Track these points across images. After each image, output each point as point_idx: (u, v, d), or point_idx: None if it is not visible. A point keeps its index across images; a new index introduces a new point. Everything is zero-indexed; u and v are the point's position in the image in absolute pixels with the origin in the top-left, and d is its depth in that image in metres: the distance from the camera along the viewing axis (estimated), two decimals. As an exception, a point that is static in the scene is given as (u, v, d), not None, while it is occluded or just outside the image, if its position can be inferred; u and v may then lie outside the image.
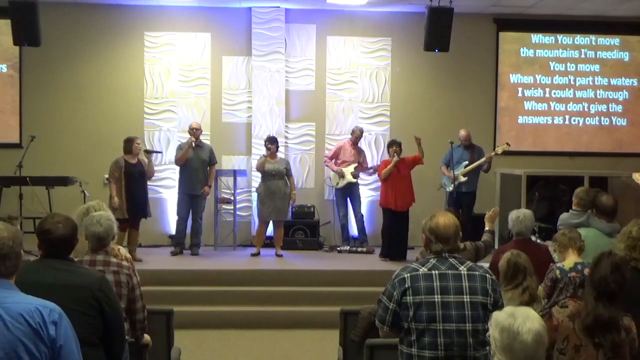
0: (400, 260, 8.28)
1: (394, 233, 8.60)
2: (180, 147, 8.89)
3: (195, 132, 8.77)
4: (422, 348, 3.17)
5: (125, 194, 8.17)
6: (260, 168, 8.76)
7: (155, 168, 9.75)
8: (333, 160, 9.45)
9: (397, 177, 8.58)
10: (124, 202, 8.14)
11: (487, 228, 5.32)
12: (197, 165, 8.76)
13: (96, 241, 3.77)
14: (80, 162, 9.40)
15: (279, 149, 9.63)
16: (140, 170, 8.36)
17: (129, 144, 8.36)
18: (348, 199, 9.41)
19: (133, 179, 8.26)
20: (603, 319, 3.25)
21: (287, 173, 8.80)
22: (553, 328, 3.35)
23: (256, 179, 9.46)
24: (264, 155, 8.76)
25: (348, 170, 9.26)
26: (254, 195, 9.41)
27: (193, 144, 8.72)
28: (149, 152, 8.59)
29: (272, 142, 8.77)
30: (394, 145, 8.68)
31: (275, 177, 8.70)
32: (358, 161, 9.29)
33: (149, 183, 8.63)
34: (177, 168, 8.94)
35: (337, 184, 9.37)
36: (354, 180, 9.22)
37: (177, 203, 8.93)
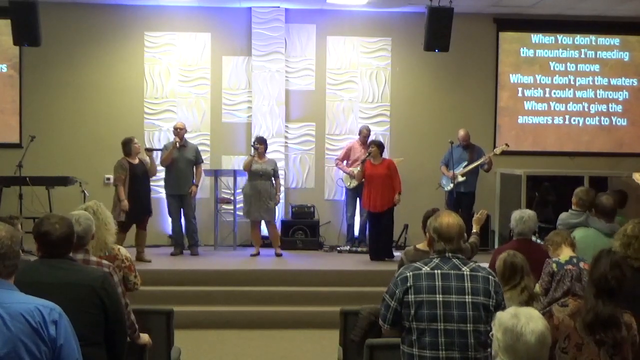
0: (388, 259, 8.35)
1: (375, 233, 8.64)
2: (165, 148, 8.88)
3: (179, 132, 8.77)
4: (423, 348, 3.17)
5: (131, 195, 8.14)
6: (247, 168, 8.75)
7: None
8: (344, 162, 9.46)
9: (373, 178, 8.51)
10: (129, 203, 8.11)
11: (474, 230, 5.33)
12: (183, 165, 8.75)
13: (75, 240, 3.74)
14: (80, 162, 9.40)
15: (279, 149, 9.66)
16: (143, 169, 8.35)
17: (128, 146, 8.31)
18: (358, 199, 9.43)
19: (138, 180, 8.25)
20: (603, 316, 3.25)
21: (274, 174, 8.79)
22: (554, 327, 3.35)
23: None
24: (251, 155, 8.75)
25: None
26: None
27: (177, 144, 8.72)
28: (150, 150, 8.57)
29: (260, 142, 8.76)
30: (371, 145, 8.66)
31: (262, 177, 8.70)
32: None
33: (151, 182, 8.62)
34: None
35: (349, 184, 9.39)
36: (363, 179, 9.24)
37: (167, 204, 8.94)
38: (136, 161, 8.33)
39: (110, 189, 9.09)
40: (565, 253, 4.58)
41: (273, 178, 8.79)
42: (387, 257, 8.55)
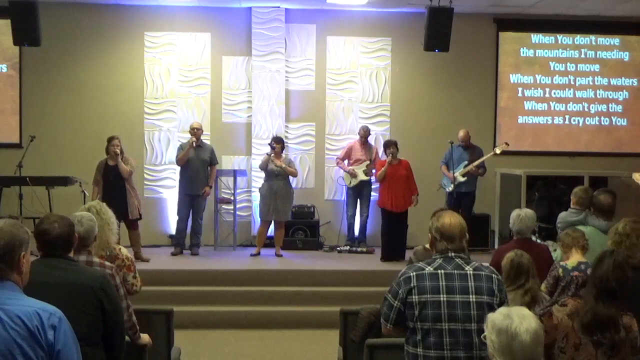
0: (399, 260, 8.32)
1: (391, 233, 8.62)
2: (181, 147, 8.89)
3: (196, 132, 8.76)
4: (428, 348, 3.17)
5: (102, 197, 7.87)
6: (263, 167, 8.76)
7: (155, 168, 9.80)
8: (345, 161, 9.47)
9: (394, 177, 8.56)
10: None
11: None
12: (198, 166, 8.75)
13: (77, 241, 3.74)
14: (80, 162, 9.38)
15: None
16: (117, 172, 8.16)
17: (107, 145, 8.24)
18: (358, 199, 9.42)
19: (108, 182, 8.13)
20: (602, 317, 3.24)
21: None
22: (553, 327, 3.34)
23: (256, 179, 9.46)
24: (268, 154, 8.75)
25: (360, 169, 9.28)
26: (254, 196, 9.41)
27: (194, 144, 8.72)
28: (116, 154, 8.26)
29: (277, 142, 8.76)
30: (390, 146, 8.68)
31: (278, 177, 8.71)
32: (370, 158, 9.29)
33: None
34: (177, 168, 8.95)
35: (350, 182, 9.40)
36: (367, 178, 9.25)
37: (178, 203, 8.93)
38: (113, 162, 8.19)
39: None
40: (574, 258, 4.56)
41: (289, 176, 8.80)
42: (399, 259, 8.47)
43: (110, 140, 8.26)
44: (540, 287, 4.33)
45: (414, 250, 4.89)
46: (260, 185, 9.03)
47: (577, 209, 5.54)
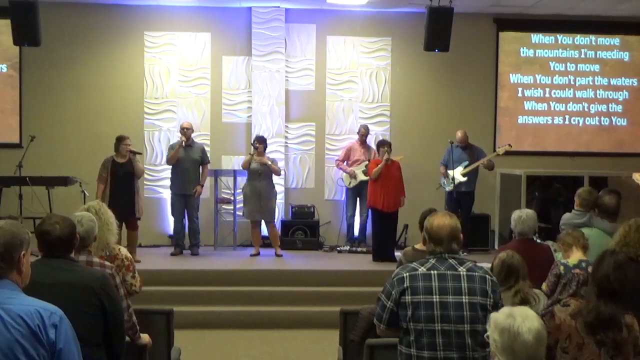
0: (390, 260, 8.32)
1: (381, 233, 8.62)
2: (171, 147, 8.88)
3: (186, 131, 8.74)
4: (421, 348, 3.17)
5: (110, 194, 7.95)
6: (245, 166, 8.76)
7: (155, 168, 9.80)
8: (345, 162, 9.47)
9: (387, 177, 8.54)
10: (107, 203, 7.99)
11: None
12: (188, 165, 8.72)
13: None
14: (80, 162, 9.39)
15: (279, 149, 9.65)
16: (126, 170, 8.16)
17: (117, 144, 8.25)
18: (358, 199, 9.43)
19: (117, 179, 8.12)
20: (604, 317, 3.24)
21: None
22: (555, 327, 3.34)
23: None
24: (250, 154, 8.75)
25: (360, 169, 9.28)
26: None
27: (183, 144, 8.70)
28: (132, 153, 8.31)
29: (260, 142, 8.75)
30: (384, 145, 8.68)
31: (261, 176, 8.69)
32: (369, 159, 9.29)
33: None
34: (174, 168, 8.94)
35: (350, 183, 9.41)
36: (366, 178, 9.24)
37: (170, 204, 8.93)
38: (123, 160, 8.21)
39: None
40: (575, 256, 4.56)
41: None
42: (390, 259, 8.49)
43: (122, 139, 8.28)
44: (531, 290, 4.31)
45: (403, 251, 4.90)
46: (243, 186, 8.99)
47: (580, 210, 5.52)
